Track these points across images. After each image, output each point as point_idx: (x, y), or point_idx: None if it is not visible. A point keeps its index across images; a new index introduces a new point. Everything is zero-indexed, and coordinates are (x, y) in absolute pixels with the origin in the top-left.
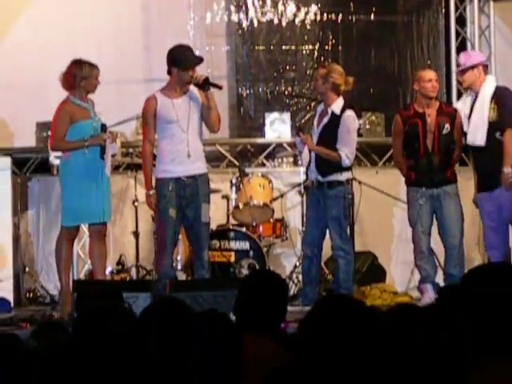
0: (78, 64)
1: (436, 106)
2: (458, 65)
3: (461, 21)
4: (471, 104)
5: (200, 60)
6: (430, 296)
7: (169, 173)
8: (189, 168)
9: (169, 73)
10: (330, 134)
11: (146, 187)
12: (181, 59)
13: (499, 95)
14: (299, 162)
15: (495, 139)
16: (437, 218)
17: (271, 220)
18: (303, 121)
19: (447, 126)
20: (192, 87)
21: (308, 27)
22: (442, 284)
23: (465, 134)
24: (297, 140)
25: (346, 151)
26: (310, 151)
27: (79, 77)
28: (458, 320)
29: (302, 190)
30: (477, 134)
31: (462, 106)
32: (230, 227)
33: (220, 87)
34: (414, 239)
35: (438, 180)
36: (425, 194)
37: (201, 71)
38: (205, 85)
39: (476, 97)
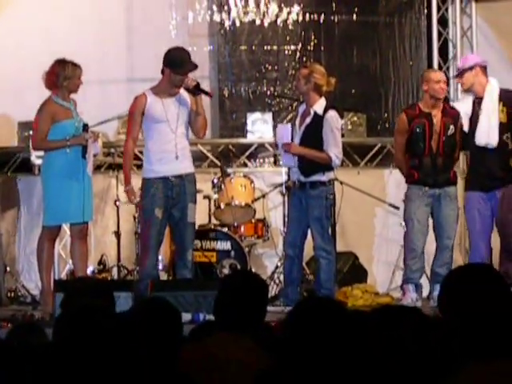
0: (61, 63)
1: (441, 107)
2: (457, 70)
3: (443, 21)
4: (473, 105)
5: (195, 67)
6: (411, 296)
7: (156, 173)
8: (176, 167)
9: (162, 72)
10: (313, 134)
11: (124, 183)
12: (177, 63)
13: (506, 97)
14: (281, 163)
15: (502, 141)
16: (433, 217)
17: (253, 220)
18: (285, 121)
19: (452, 127)
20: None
21: (290, 27)
22: (425, 286)
23: (465, 134)
24: (279, 129)
25: (335, 151)
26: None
27: (62, 76)
28: (444, 320)
29: (284, 190)
30: (491, 136)
31: (461, 105)
32: (212, 227)
33: (211, 95)
34: (406, 237)
35: (442, 180)
36: (427, 193)
37: (190, 74)
38: (195, 90)
39: (478, 98)
